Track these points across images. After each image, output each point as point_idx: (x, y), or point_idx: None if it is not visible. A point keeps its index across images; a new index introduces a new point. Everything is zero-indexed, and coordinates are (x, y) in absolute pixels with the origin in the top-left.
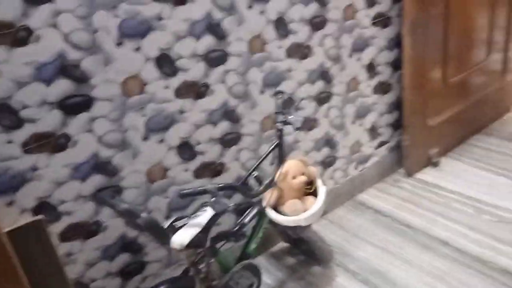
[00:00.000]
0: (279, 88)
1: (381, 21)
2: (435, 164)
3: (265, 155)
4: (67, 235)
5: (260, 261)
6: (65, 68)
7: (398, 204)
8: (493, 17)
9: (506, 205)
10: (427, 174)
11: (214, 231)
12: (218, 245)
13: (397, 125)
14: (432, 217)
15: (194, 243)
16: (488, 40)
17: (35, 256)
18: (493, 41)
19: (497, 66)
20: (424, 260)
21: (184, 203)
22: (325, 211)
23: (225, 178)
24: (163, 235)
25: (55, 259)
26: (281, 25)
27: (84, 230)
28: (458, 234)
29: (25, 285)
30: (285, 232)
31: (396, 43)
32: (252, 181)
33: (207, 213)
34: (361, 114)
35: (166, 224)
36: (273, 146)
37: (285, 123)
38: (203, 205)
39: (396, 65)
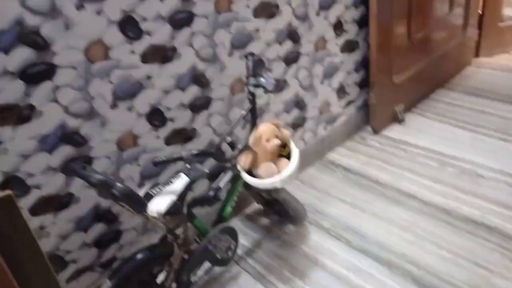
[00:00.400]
0: (248, 50)
1: None
2: (400, 121)
3: (239, 119)
4: (38, 208)
5: (235, 223)
6: (24, 36)
7: (366, 161)
8: None
9: (468, 156)
10: (393, 131)
11: (189, 197)
12: (194, 210)
13: (363, 84)
14: (399, 172)
15: (171, 210)
16: None
17: (6, 232)
18: None
19: (458, 21)
20: (392, 213)
21: (157, 170)
22: None
23: (196, 144)
24: (140, 204)
25: (28, 234)
26: None
27: (56, 203)
28: (424, 187)
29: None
30: (259, 194)
31: (362, 0)
32: (224, 146)
33: (182, 180)
34: (329, 74)
35: (141, 193)
36: (246, 110)
37: (257, 86)
38: (178, 171)
39: (362, 22)
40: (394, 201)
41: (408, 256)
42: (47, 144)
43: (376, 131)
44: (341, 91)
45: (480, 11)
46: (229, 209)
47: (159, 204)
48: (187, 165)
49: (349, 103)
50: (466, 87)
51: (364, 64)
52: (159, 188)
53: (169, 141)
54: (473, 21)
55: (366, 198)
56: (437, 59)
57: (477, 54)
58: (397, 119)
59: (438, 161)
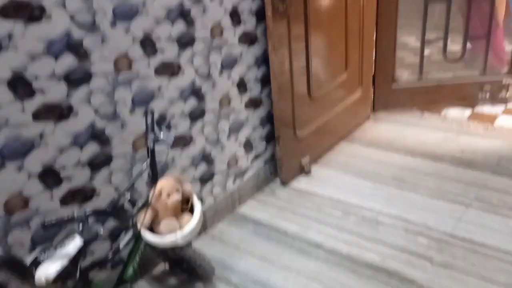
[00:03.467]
0: (149, 107)
1: (247, 39)
2: (307, 172)
3: (137, 175)
4: None
5: (142, 285)
6: None
7: (276, 213)
8: (348, 37)
9: (369, 205)
10: (300, 182)
11: (87, 260)
12: (91, 275)
13: (270, 138)
14: (307, 222)
15: (63, 275)
16: (345, 56)
17: None
18: (349, 58)
19: (354, 79)
20: (300, 264)
21: (50, 234)
22: (206, 227)
23: (96, 203)
24: (24, 273)
25: None
26: (149, 44)
27: None
28: (330, 236)
29: None
30: (165, 253)
31: (263, 59)
32: (126, 204)
33: (75, 242)
34: (235, 129)
35: (29, 258)
36: (146, 166)
37: (156, 140)
38: (71, 233)
39: (265, 81)
40: (301, 251)
41: None
42: None
43: (284, 183)
44: (248, 145)
45: (373, 73)
46: (131, 270)
47: (48, 269)
48: (81, 226)
49: (256, 157)
50: (365, 140)
51: (269, 119)
52: (49, 253)
53: (65, 201)
54: (367, 81)
55: (275, 251)
56: (338, 114)
57: (374, 110)
58: (304, 171)
59: (342, 210)
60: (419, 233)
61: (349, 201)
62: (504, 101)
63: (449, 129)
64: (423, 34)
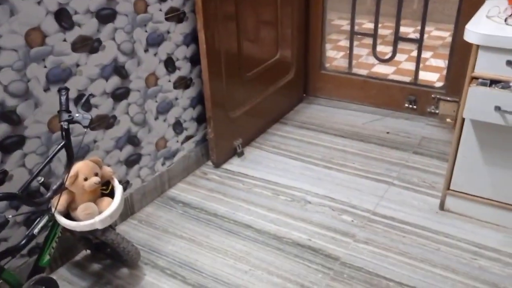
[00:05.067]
0: (64, 85)
1: (175, 16)
2: (239, 154)
3: (50, 157)
4: None
5: (61, 273)
6: None
7: (206, 195)
8: (281, 16)
9: (298, 185)
10: (232, 164)
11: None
12: (3, 263)
13: (201, 119)
14: (237, 203)
15: None
16: (277, 37)
17: None
18: (282, 38)
19: (287, 61)
20: (228, 244)
21: None
22: (133, 211)
23: (8, 188)
24: None
25: None
26: (64, 17)
27: None
28: (259, 216)
29: None
30: (85, 238)
31: (193, 38)
32: (41, 188)
33: None
34: (163, 110)
35: None
36: (59, 147)
37: (72, 121)
38: None
39: (194, 60)
40: (230, 232)
41: (241, 287)
42: None
43: (216, 165)
44: (178, 126)
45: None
46: (47, 257)
47: None
48: None
49: (188, 138)
50: (297, 121)
51: (200, 100)
52: None
53: None
54: (299, 64)
55: (204, 232)
56: (271, 96)
57: (306, 92)
58: (236, 153)
59: (271, 191)
60: (344, 211)
61: (280, 182)
62: (433, 115)
63: (376, 112)
64: (352, 26)
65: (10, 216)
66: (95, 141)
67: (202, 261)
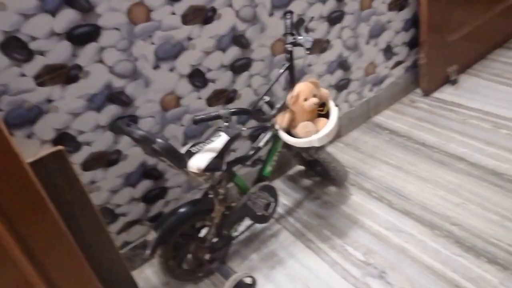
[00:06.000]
0: (288, 9)
1: None
2: (453, 82)
3: (276, 78)
4: (89, 164)
5: (277, 184)
6: None
7: (414, 124)
8: None
9: None
10: (444, 93)
11: (231, 157)
12: (235, 169)
13: (413, 43)
14: (449, 134)
15: (211, 167)
16: None
17: (59, 186)
18: None
19: None
20: (438, 175)
21: (198, 130)
22: (340, 134)
23: (238, 105)
24: (180, 160)
25: (80, 188)
26: None
27: (105, 159)
28: (474, 149)
29: (54, 216)
30: (300, 155)
31: None
32: (264, 107)
33: (221, 138)
34: (375, 33)
35: (183, 150)
36: (284, 69)
37: (295, 44)
38: (217, 130)
39: None
40: (440, 163)
41: (452, 218)
42: (95, 103)
43: (426, 93)
44: (388, 51)
45: None
46: (269, 168)
47: (199, 161)
48: (225, 124)
49: (397, 64)
50: None
51: (414, 22)
52: (199, 146)
53: (210, 102)
54: None
55: (411, 160)
56: (495, 17)
57: None
58: (449, 81)
59: (491, 123)
60: None
61: (501, 114)
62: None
63: None
64: None
65: (244, 128)
66: (309, 65)
67: (409, 188)
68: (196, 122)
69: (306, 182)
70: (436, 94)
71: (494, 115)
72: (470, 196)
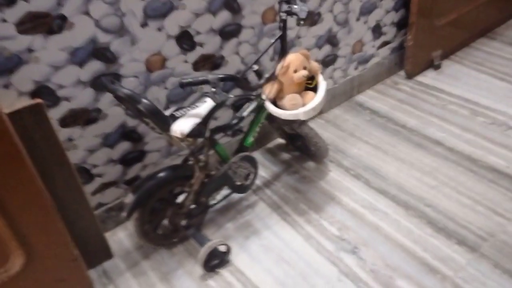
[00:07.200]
0: None
1: None
2: (436, 67)
3: (268, 47)
4: (67, 121)
5: (256, 156)
6: None
7: (395, 106)
8: None
9: (502, 108)
10: (427, 77)
11: (213, 125)
12: (217, 137)
13: (401, 24)
14: (428, 118)
15: (194, 133)
16: None
17: (35, 140)
18: None
19: None
20: (415, 157)
21: (182, 95)
22: (321, 111)
23: (224, 72)
24: (164, 122)
25: (57, 144)
26: None
27: (84, 117)
28: (452, 134)
29: (31, 170)
30: (282, 128)
31: None
32: (252, 76)
33: (207, 104)
34: (366, 11)
35: (166, 113)
36: (276, 38)
37: (289, 13)
38: (203, 96)
39: None
40: (418, 146)
41: (426, 199)
42: (78, 57)
43: (409, 76)
44: (377, 30)
45: None
46: (251, 139)
47: (182, 125)
48: (213, 89)
49: (384, 44)
50: (508, 38)
51: (405, 3)
52: (184, 111)
53: (197, 66)
54: None
55: (390, 141)
56: (482, 5)
57: None
58: (432, 65)
59: (469, 110)
60: None
61: (480, 102)
62: None
63: None
64: None
65: (231, 96)
66: (298, 37)
67: (387, 168)
68: (182, 85)
69: (285, 156)
70: (419, 78)
71: (473, 102)
72: (445, 180)
